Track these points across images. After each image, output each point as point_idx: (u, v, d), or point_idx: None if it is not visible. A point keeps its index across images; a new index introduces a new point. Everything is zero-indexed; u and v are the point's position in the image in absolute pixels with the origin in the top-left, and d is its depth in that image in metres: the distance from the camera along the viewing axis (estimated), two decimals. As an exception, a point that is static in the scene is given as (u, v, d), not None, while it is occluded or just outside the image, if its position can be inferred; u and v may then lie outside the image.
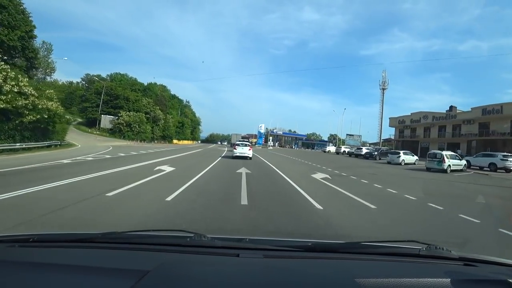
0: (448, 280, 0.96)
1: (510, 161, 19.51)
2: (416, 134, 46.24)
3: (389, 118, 53.45)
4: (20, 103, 15.76)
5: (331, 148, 48.79)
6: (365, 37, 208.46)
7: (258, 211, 5.03)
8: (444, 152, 18.01)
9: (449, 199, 7.87)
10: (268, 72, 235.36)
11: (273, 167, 13.75)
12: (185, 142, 72.30)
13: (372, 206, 5.94)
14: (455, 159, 18.61)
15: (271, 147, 62.63)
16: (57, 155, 15.47)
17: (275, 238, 1.47)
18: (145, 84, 69.64)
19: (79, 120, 58.10)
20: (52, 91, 20.09)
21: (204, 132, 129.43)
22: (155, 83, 73.43)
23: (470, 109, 37.17)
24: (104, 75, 66.12)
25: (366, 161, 26.17)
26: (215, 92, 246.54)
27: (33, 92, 16.84)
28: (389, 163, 23.39)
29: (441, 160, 17.47)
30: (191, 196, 5.96)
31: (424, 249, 1.21)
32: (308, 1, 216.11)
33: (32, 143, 17.71)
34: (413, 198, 7.30)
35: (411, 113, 47.71)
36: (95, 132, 48.71)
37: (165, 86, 77.18)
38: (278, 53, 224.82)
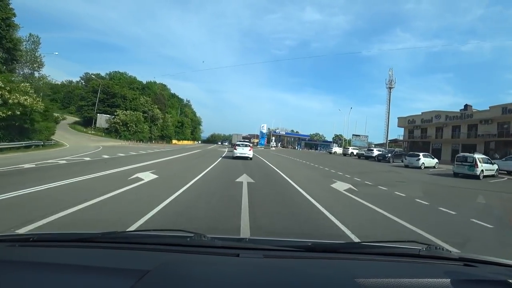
0: (448, 280, 0.95)
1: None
2: (427, 135, 43.71)
3: (398, 118, 50.96)
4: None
5: (337, 149, 46.36)
6: (367, 37, 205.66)
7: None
8: (476, 155, 15.62)
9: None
10: (270, 72, 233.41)
11: (280, 172, 11.45)
12: (185, 142, 70.09)
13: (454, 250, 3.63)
14: (487, 163, 16.23)
15: (273, 148, 60.32)
16: (27, 157, 13.27)
17: (275, 238, 1.47)
18: (144, 82, 67.71)
19: (77, 119, 56.14)
20: (27, 84, 17.88)
21: (206, 132, 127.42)
22: (155, 82, 71.35)
23: (488, 108, 34.66)
24: (104, 74, 63.92)
25: (380, 164, 23.79)
26: (216, 92, 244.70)
27: (1, 85, 14.65)
28: (406, 166, 21.02)
29: (473, 165, 15.10)
30: (162, 227, 3.69)
31: (424, 249, 1.20)
32: (310, 1, 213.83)
33: (4, 144, 15.53)
34: (489, 226, 4.98)
35: (422, 113, 45.17)
36: (90, 132, 46.65)
37: (165, 85, 75.14)
38: (279, 53, 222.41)
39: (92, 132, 47.02)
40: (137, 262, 1.02)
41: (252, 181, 8.43)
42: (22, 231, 3.33)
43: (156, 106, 55.61)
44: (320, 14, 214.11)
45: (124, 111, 48.37)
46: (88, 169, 9.56)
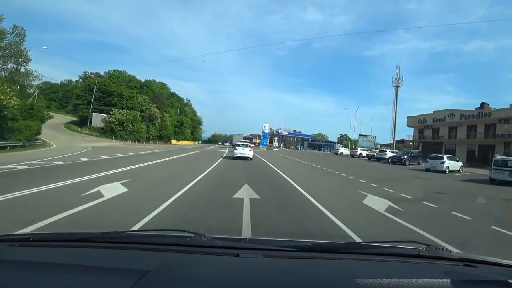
0: (448, 280, 0.94)
1: None
2: (440, 135, 41.24)
3: (407, 117, 48.52)
4: None
5: (344, 150, 43.96)
6: (369, 37, 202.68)
7: None
8: (519, 159, 13.27)
9: None
10: (271, 73, 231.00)
11: (291, 181, 9.17)
12: (185, 142, 67.89)
13: None
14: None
15: (276, 149, 58.04)
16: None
17: (275, 238, 1.46)
18: (143, 81, 65.60)
19: (74, 119, 54.12)
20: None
21: (207, 133, 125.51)
22: (154, 80, 69.20)
23: (509, 106, 32.22)
24: (102, 73, 61.69)
25: (396, 167, 21.43)
26: (218, 92, 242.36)
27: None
28: (427, 170, 18.67)
29: (517, 170, 12.76)
30: None
31: (424, 249, 1.19)
32: (311, 1, 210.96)
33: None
34: None
35: (434, 111, 42.71)
36: (84, 132, 44.61)
37: (164, 84, 73.01)
38: (281, 54, 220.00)
39: (87, 132, 44.98)
40: (137, 262, 1.01)
41: (257, 197, 6.15)
42: None
43: (154, 105, 53.48)
44: (321, 14, 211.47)
45: (120, 110, 46.30)
46: (43, 177, 7.35)
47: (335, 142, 76.90)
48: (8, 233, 1.32)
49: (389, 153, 26.55)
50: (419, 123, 45.32)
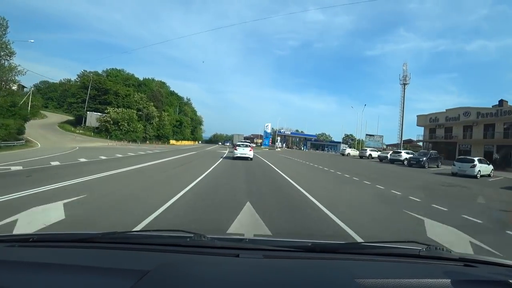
0: (448, 280, 0.94)
1: None
2: (453, 134, 38.78)
3: (417, 116, 46.07)
4: None
5: (351, 151, 41.61)
6: (371, 37, 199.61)
7: None
8: None
9: None
10: (273, 73, 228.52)
11: (310, 197, 6.88)
12: (185, 142, 65.71)
13: None
14: None
15: (279, 149, 55.76)
16: None
17: (275, 238, 1.53)
18: (141, 79, 63.51)
19: (70, 118, 52.09)
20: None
21: (209, 133, 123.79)
22: (153, 79, 67.17)
23: (532, 103, 29.81)
24: (101, 71, 59.50)
25: (416, 170, 19.10)
26: (219, 92, 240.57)
27: None
28: (454, 174, 16.34)
29: None
30: None
31: (424, 249, 1.18)
32: (313, 1, 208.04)
33: None
34: None
35: (447, 110, 40.26)
36: (77, 131, 42.51)
37: (164, 83, 70.89)
38: (282, 54, 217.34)
39: (81, 131, 42.88)
40: (137, 263, 1.01)
41: (267, 231, 3.88)
42: None
43: (152, 104, 51.32)
44: (323, 14, 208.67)
45: (116, 109, 44.15)
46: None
47: (339, 142, 74.52)
48: (8, 234, 1.35)
49: (404, 154, 24.19)
50: (430, 122, 42.87)
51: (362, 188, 8.93)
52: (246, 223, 4.11)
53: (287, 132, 78.18)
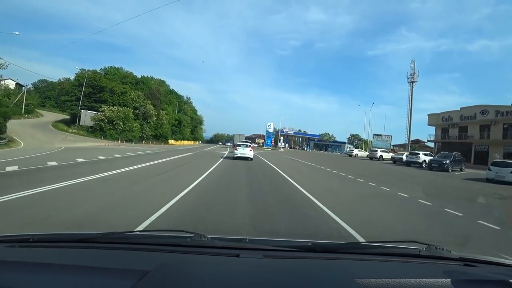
0: (448, 280, 0.93)
1: None
2: (468, 134, 36.36)
3: (428, 115, 43.67)
4: None
5: (359, 152, 39.27)
6: (372, 37, 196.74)
7: None
8: None
9: None
10: (274, 73, 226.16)
11: (342, 223, 4.65)
12: (184, 142, 63.56)
13: None
14: None
15: (282, 149, 53.50)
16: None
17: (275, 238, 1.45)
18: (139, 77, 61.37)
19: (67, 117, 50.05)
20: None
21: (210, 132, 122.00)
22: (152, 77, 65.01)
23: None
24: (99, 69, 57.33)
25: (441, 174, 16.78)
26: (221, 92, 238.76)
27: None
28: (488, 180, 14.05)
29: None
30: None
31: (424, 249, 1.18)
32: (314, 1, 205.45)
33: None
34: None
35: (461, 108, 37.84)
36: (70, 131, 40.44)
37: (163, 81, 68.73)
38: (284, 54, 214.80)
39: (74, 130, 40.82)
40: (137, 263, 1.01)
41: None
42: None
43: (150, 102, 49.16)
44: (324, 14, 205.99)
45: (111, 107, 42.02)
46: None
47: (343, 142, 72.14)
48: (8, 234, 1.26)
49: (422, 156, 21.83)
50: (442, 121, 40.47)
51: (407, 206, 6.66)
52: None
53: (290, 132, 75.83)
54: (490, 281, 0.99)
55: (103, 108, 41.00)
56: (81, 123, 43.15)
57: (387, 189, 8.75)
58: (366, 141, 56.07)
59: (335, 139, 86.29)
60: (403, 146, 61.28)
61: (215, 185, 7.79)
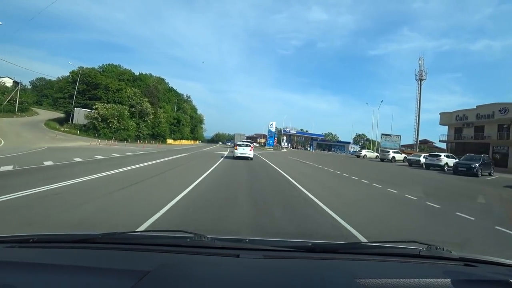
0: (449, 280, 0.93)
1: None
2: (485, 134, 34.06)
3: (440, 114, 41.38)
4: None
5: (367, 153, 37.00)
6: (374, 37, 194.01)
7: None
8: None
9: None
10: (276, 73, 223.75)
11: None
12: (183, 142, 61.47)
13: None
14: None
15: (284, 149, 51.29)
16: None
17: (275, 238, 1.43)
18: (137, 74, 59.22)
19: (62, 115, 48.05)
20: None
21: (211, 132, 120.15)
22: (150, 74, 62.86)
23: None
24: (97, 67, 55.20)
25: (468, 180, 14.52)
26: (222, 92, 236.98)
27: None
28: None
29: None
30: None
31: (424, 249, 1.17)
32: (316, 0, 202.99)
33: None
34: None
35: (477, 106, 35.52)
36: (62, 129, 38.38)
37: (162, 79, 66.55)
38: (286, 54, 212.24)
39: (66, 129, 38.77)
40: (137, 263, 1.00)
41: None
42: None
43: (147, 100, 47.05)
44: (326, 14, 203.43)
45: (105, 104, 39.92)
46: None
47: (347, 142, 69.90)
48: (8, 234, 1.26)
49: (444, 158, 19.54)
50: (456, 120, 38.14)
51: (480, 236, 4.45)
52: None
53: (293, 132, 73.59)
54: (490, 281, 0.98)
55: (96, 106, 38.91)
56: (74, 122, 41.16)
57: (436, 205, 6.47)
58: (373, 142, 53.68)
59: (338, 138, 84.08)
60: (410, 147, 59.07)
61: (219, 187, 5.57)
